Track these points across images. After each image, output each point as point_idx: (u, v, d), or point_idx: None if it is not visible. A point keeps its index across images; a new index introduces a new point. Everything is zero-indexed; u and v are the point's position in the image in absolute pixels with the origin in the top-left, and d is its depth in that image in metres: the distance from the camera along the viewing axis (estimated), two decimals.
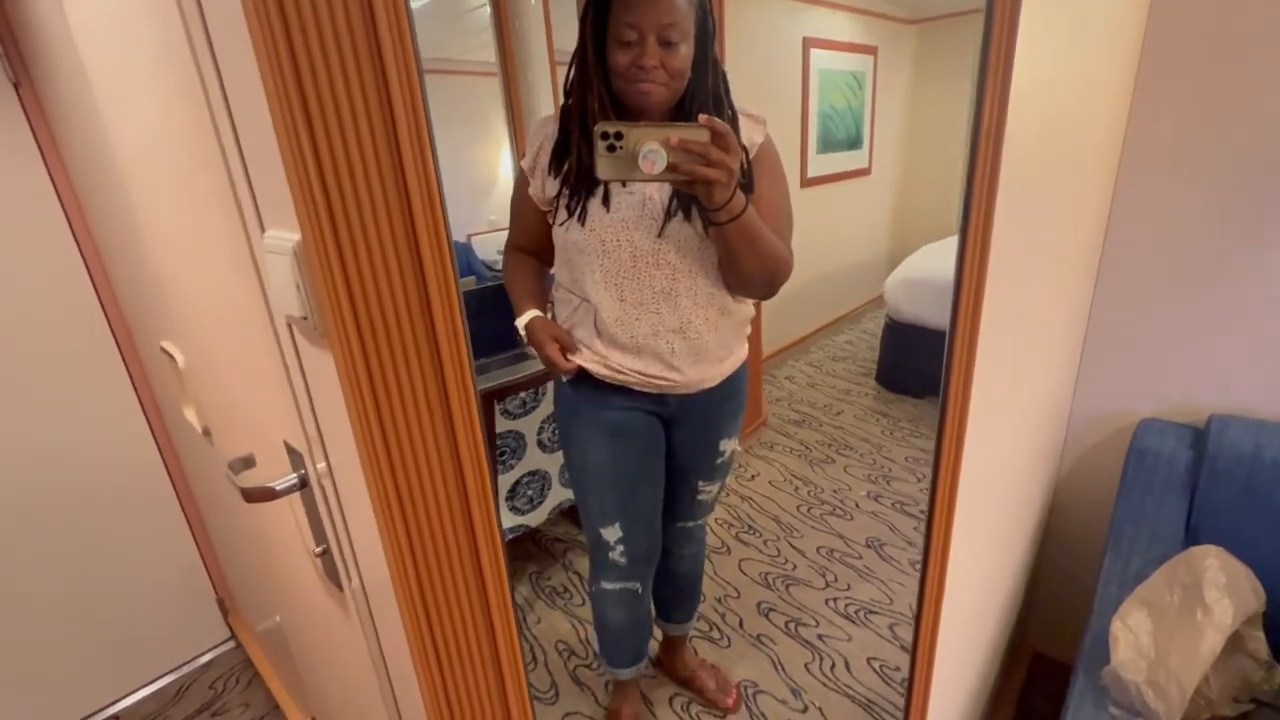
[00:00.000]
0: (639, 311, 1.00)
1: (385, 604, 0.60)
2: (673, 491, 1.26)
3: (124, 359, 1.52)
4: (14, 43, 1.28)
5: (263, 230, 0.51)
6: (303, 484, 0.66)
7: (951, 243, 3.51)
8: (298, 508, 0.72)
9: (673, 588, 1.42)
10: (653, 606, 1.46)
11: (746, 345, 1.15)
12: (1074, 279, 1.06)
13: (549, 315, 1.11)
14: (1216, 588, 0.90)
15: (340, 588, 0.71)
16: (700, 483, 1.24)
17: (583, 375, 1.08)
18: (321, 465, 0.61)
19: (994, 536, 1.01)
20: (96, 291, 1.46)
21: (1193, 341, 1.15)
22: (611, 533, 1.18)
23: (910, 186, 4.68)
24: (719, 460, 1.21)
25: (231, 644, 1.82)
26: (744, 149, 0.93)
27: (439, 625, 0.57)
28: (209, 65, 0.49)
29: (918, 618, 0.80)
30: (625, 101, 0.93)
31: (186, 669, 1.75)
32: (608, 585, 1.26)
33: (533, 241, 1.11)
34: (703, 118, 0.76)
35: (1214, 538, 0.99)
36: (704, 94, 0.95)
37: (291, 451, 0.67)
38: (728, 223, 0.86)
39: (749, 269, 0.94)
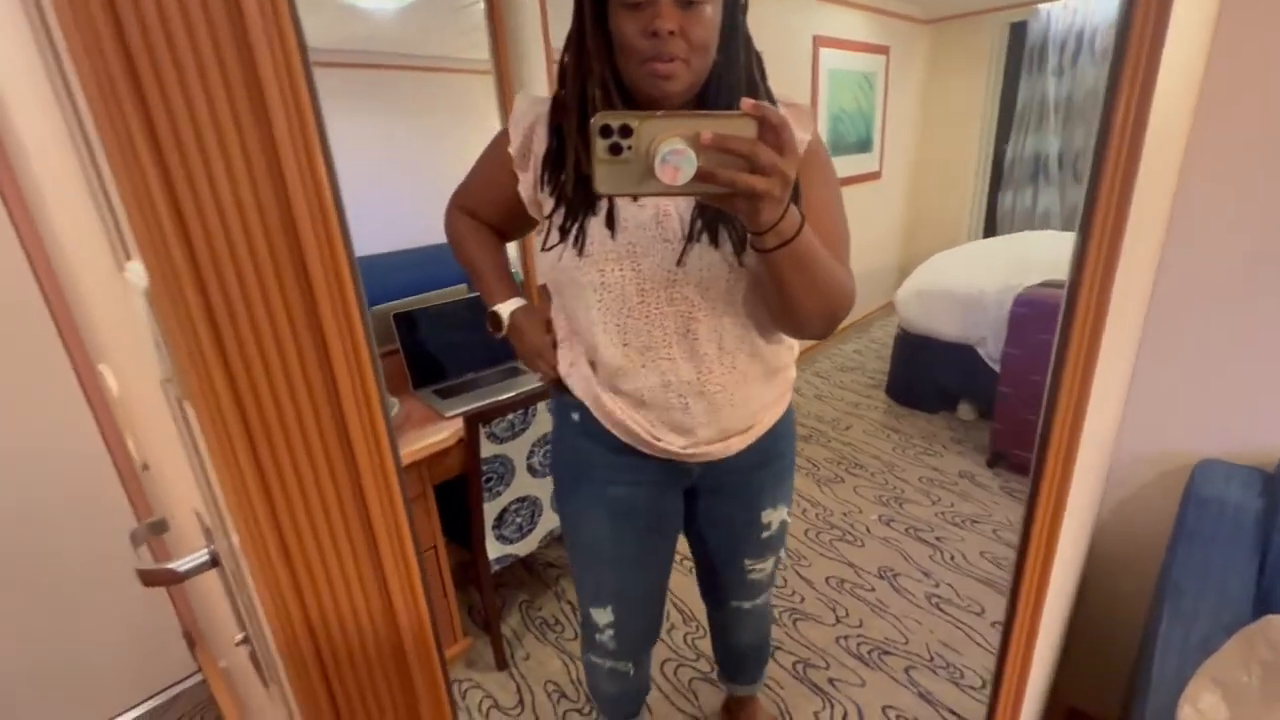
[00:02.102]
0: (644, 358, 0.81)
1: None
2: (718, 573, 1.10)
3: (77, 373, 1.40)
4: None
5: (127, 258, 0.38)
6: (215, 562, 0.54)
7: (965, 251, 3.39)
8: (217, 584, 0.60)
9: (734, 658, 1.29)
10: (716, 662, 1.34)
11: (788, 398, 0.95)
12: (1139, 293, 0.94)
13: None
14: None
15: (264, 683, 0.58)
16: (747, 561, 1.05)
17: (584, 417, 0.90)
18: (227, 544, 0.49)
19: (1061, 585, 0.88)
20: (48, 301, 1.34)
21: (1263, 372, 1.02)
22: (602, 615, 1.02)
23: (922, 191, 4.55)
24: (764, 535, 1.02)
25: (198, 678, 1.70)
26: None
27: None
28: (50, 53, 0.37)
29: (995, 690, 0.67)
30: (636, 89, 0.74)
31: (151, 704, 1.63)
32: (595, 660, 1.11)
33: (494, 221, 0.93)
34: (747, 103, 0.53)
35: None
36: (734, 76, 0.74)
37: (202, 523, 0.55)
38: (777, 248, 0.64)
39: (801, 305, 0.71)
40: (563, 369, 0.91)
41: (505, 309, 0.93)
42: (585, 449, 0.93)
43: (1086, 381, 0.58)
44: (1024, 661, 0.81)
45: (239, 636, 0.58)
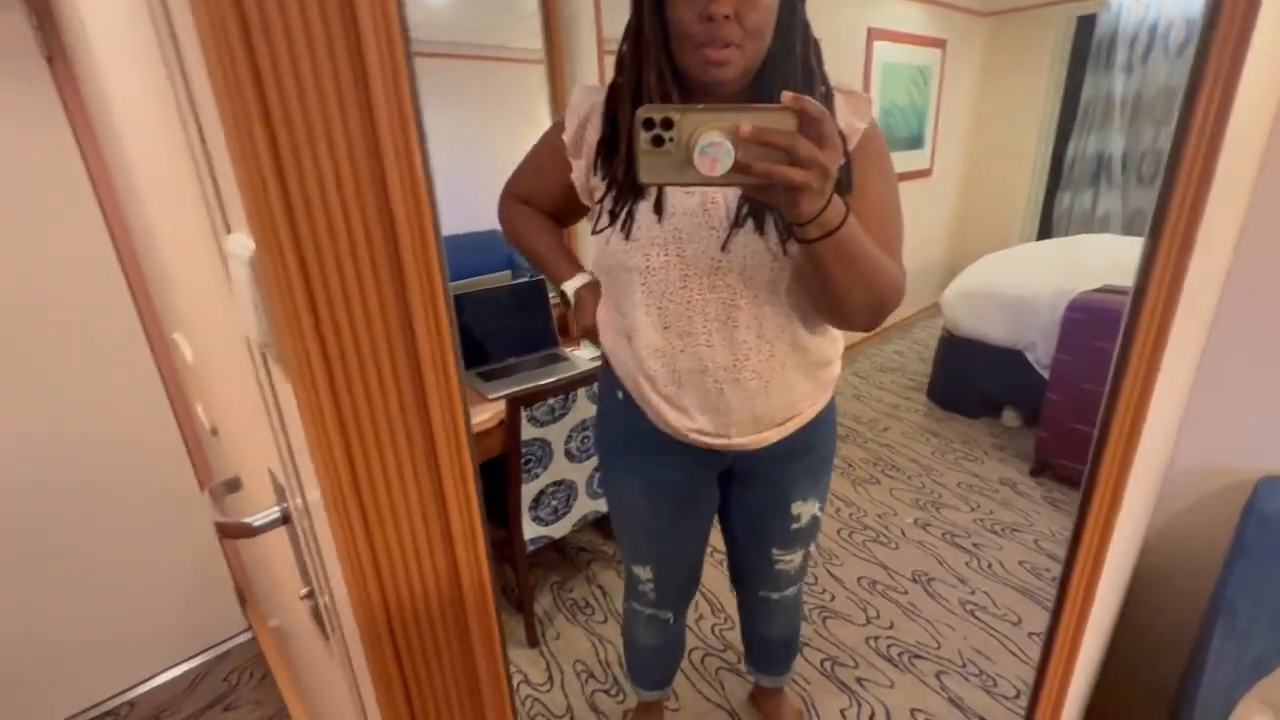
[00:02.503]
0: (684, 343, 0.82)
1: (365, 674, 0.51)
2: (746, 557, 1.12)
3: (150, 343, 1.49)
4: (48, 14, 1.24)
5: (228, 230, 0.42)
6: (285, 519, 0.58)
7: (1017, 253, 3.28)
8: (285, 540, 0.64)
9: (762, 649, 1.30)
10: (744, 652, 1.36)
11: (830, 392, 0.96)
12: (1205, 301, 0.90)
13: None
14: None
15: (325, 636, 0.62)
16: (775, 550, 1.07)
17: (628, 395, 0.93)
18: (299, 501, 0.53)
19: (1106, 602, 0.87)
20: (125, 273, 1.43)
21: None
22: (643, 572, 1.09)
23: (973, 191, 4.41)
24: (794, 526, 1.02)
25: (248, 635, 1.79)
26: (841, 137, 0.78)
27: (420, 704, 0.47)
28: (165, 30, 0.40)
29: (1033, 703, 0.67)
30: (690, 77, 0.74)
31: (202, 658, 1.73)
32: (638, 607, 1.17)
33: (541, 200, 0.95)
34: (787, 96, 0.54)
35: None
36: (789, 64, 0.73)
37: (275, 482, 0.59)
38: (820, 239, 0.64)
39: (845, 296, 0.71)
40: (607, 344, 0.93)
41: (570, 285, 0.95)
42: (627, 425, 0.96)
43: (1146, 394, 0.57)
44: (1064, 677, 0.80)
45: (304, 591, 0.62)
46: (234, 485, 0.68)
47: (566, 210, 0.96)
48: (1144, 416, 0.57)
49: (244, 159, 0.31)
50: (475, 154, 1.94)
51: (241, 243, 0.37)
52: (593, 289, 0.94)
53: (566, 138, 0.86)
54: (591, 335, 0.95)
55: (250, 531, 0.56)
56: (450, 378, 0.38)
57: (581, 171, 0.86)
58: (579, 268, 0.98)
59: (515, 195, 1.00)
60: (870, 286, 0.71)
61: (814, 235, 0.64)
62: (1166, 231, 0.51)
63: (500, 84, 1.99)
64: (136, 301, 1.45)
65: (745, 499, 1.03)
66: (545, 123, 2.09)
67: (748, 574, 1.15)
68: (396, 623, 0.45)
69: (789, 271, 0.79)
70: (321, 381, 0.36)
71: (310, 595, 0.61)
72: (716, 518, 1.10)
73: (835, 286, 0.70)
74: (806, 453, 0.97)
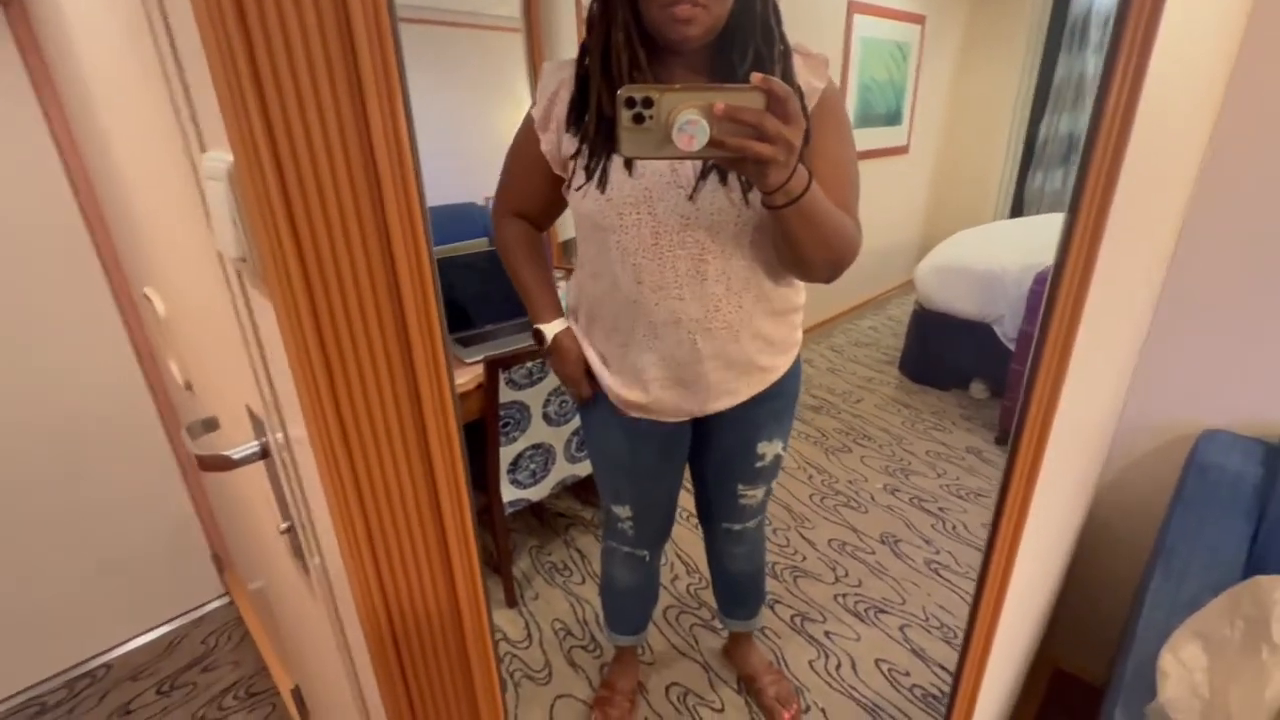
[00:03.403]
0: (657, 296, 0.87)
1: (346, 596, 0.52)
2: (712, 492, 1.18)
3: (117, 302, 1.46)
4: None
5: (203, 150, 0.42)
6: (264, 453, 0.59)
7: (989, 230, 3.34)
8: (265, 478, 0.65)
9: (729, 588, 1.36)
10: (715, 600, 1.42)
11: (796, 348, 1.01)
12: (1147, 270, 0.95)
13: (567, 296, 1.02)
14: None
15: (306, 569, 0.64)
16: (740, 486, 1.13)
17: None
18: (280, 435, 0.54)
19: (1042, 552, 0.92)
20: (89, 229, 1.39)
21: (1271, 345, 1.03)
22: (622, 510, 1.14)
23: (949, 168, 4.47)
24: (758, 464, 1.09)
25: (226, 600, 1.80)
26: (799, 93, 0.79)
27: (401, 626, 0.49)
28: None
29: (966, 639, 0.72)
30: (657, 33, 0.77)
31: (179, 622, 1.73)
32: (615, 545, 1.23)
33: (534, 206, 0.98)
34: (756, 77, 0.60)
35: None
36: (750, 22, 0.78)
37: (253, 417, 0.60)
38: (785, 205, 0.70)
39: (808, 255, 0.78)
40: (584, 312, 0.98)
41: (550, 329, 0.99)
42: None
43: (1064, 359, 0.60)
44: (994, 613, 0.83)
45: (283, 525, 0.63)
46: (211, 425, 0.68)
47: (555, 203, 0.97)
48: (1063, 380, 0.60)
49: (222, 66, 0.32)
50: (450, 125, 1.91)
51: (218, 157, 0.38)
52: (570, 336, 0.98)
53: (535, 113, 0.89)
54: (578, 384, 1.00)
55: (229, 464, 0.57)
56: (429, 297, 0.39)
57: (553, 140, 0.88)
58: (560, 312, 1.01)
59: (507, 208, 1.00)
60: (830, 246, 0.78)
61: (780, 202, 0.70)
62: (1082, 210, 0.54)
63: (476, 52, 1.96)
64: (102, 258, 1.42)
65: (714, 440, 1.08)
66: (523, 95, 2.07)
67: (713, 508, 1.21)
68: (380, 549, 0.47)
69: (753, 225, 0.84)
70: (301, 297, 0.37)
71: (290, 529, 0.62)
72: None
73: (798, 246, 0.77)
74: (773, 398, 1.02)
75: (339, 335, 0.39)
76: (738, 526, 1.21)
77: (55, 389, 1.42)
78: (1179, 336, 1.10)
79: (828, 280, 0.84)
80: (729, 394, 0.98)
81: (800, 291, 0.97)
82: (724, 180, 0.81)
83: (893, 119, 3.75)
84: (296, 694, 1.19)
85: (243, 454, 0.58)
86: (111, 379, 1.49)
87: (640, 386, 0.96)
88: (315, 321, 0.38)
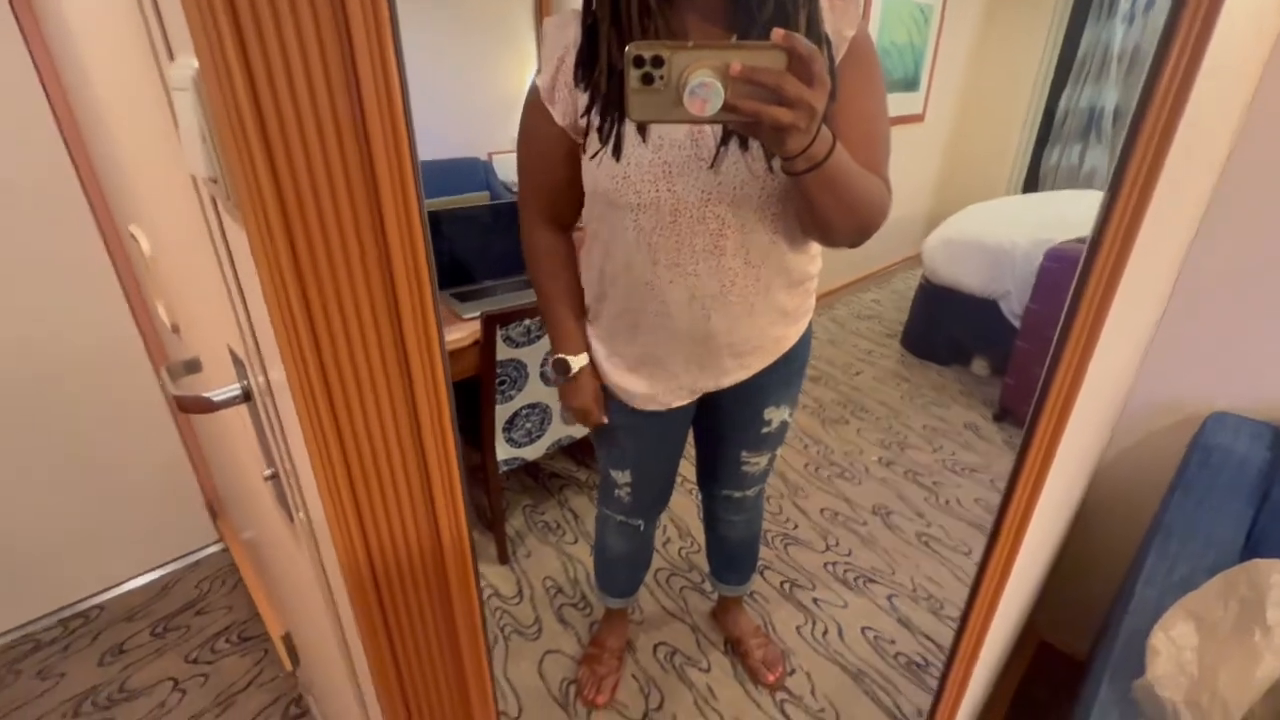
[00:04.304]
0: (672, 274, 0.83)
1: (329, 544, 0.51)
2: (715, 458, 1.16)
3: (105, 242, 1.42)
4: None
5: (170, 57, 0.38)
6: (246, 396, 0.57)
7: (1001, 204, 3.27)
8: (249, 423, 0.63)
9: (724, 554, 1.35)
10: (708, 562, 1.42)
11: (811, 302, 0.98)
12: (1172, 248, 0.91)
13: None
14: None
15: (290, 517, 0.62)
16: (744, 453, 1.11)
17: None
18: (261, 380, 0.51)
19: (1044, 530, 0.91)
20: (74, 165, 1.34)
21: None
22: (621, 476, 1.11)
23: (964, 139, 4.35)
24: (765, 430, 1.06)
25: (220, 546, 1.80)
26: (827, 42, 0.73)
27: (384, 575, 0.48)
28: None
29: (965, 616, 0.71)
30: None
31: (173, 566, 1.74)
32: (610, 513, 1.21)
33: (562, 195, 0.88)
34: (778, 34, 0.54)
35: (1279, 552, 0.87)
36: None
37: (235, 358, 0.57)
38: (806, 172, 0.65)
39: (832, 221, 0.73)
40: (591, 294, 0.96)
41: (576, 362, 0.96)
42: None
43: (1092, 340, 0.57)
44: (994, 596, 0.83)
45: (267, 472, 0.61)
46: (193, 366, 0.66)
47: (580, 188, 0.89)
48: (1088, 361, 0.58)
49: None
50: (453, 79, 1.84)
51: (185, 64, 0.34)
52: (589, 372, 0.97)
53: (541, 81, 0.81)
54: (590, 415, 1.00)
55: (209, 406, 0.54)
56: (415, 224, 0.36)
57: (565, 106, 0.80)
58: (585, 345, 0.98)
59: (535, 209, 0.92)
60: (856, 212, 0.73)
61: (800, 168, 0.65)
62: (1125, 185, 0.51)
63: (480, 2, 1.87)
64: (89, 197, 1.38)
65: (721, 405, 1.05)
66: (529, 48, 1.99)
67: (716, 474, 1.19)
68: (362, 496, 0.45)
69: (777, 196, 0.79)
70: (275, 220, 0.34)
71: (274, 476, 0.60)
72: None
73: (822, 213, 0.72)
74: (783, 365, 0.99)
75: (318, 266, 0.36)
76: (738, 494, 1.19)
77: (42, 331, 1.39)
78: (1195, 316, 1.07)
79: (853, 246, 0.80)
80: (742, 368, 0.96)
81: (817, 259, 0.93)
82: (745, 146, 0.76)
83: (910, 85, 3.64)
84: (287, 640, 1.20)
85: (224, 396, 0.55)
86: (99, 319, 1.46)
87: (648, 372, 0.95)
88: (291, 248, 0.35)
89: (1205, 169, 0.92)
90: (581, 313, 0.98)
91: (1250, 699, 0.74)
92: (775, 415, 1.05)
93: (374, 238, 0.36)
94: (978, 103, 4.25)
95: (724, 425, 1.08)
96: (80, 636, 1.53)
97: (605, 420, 1.02)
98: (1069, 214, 2.71)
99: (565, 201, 0.90)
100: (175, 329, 1.00)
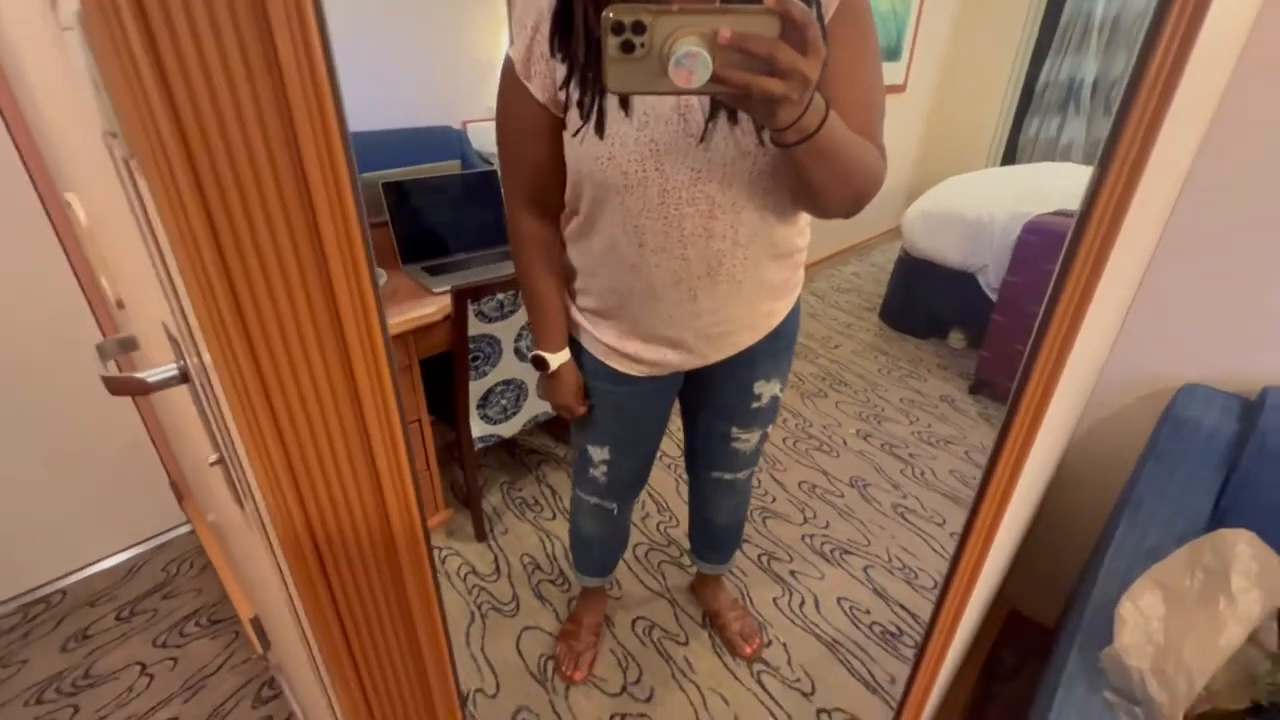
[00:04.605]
0: (658, 258, 0.81)
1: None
2: (702, 436, 1.12)
3: (48, 213, 1.34)
4: None
5: None
6: (184, 377, 0.53)
7: (980, 176, 3.26)
8: (193, 405, 0.59)
9: (709, 536, 1.33)
10: (689, 541, 1.41)
11: (800, 275, 0.97)
12: (1153, 222, 0.90)
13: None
14: (1246, 576, 0.81)
15: (239, 501, 0.59)
16: (734, 429, 1.07)
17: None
18: (196, 360, 0.47)
19: (1023, 500, 0.91)
20: (9, 130, 1.26)
21: (1258, 302, 1.00)
22: (598, 453, 1.07)
23: (945, 111, 4.32)
24: (754, 405, 1.04)
25: (188, 528, 1.76)
26: (817, 3, 0.69)
27: (330, 557, 0.45)
28: None
29: (943, 590, 0.70)
30: None
31: (139, 549, 1.69)
32: (583, 495, 1.18)
33: (548, 177, 0.83)
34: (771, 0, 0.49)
35: (1246, 521, 0.89)
36: None
37: (170, 336, 0.53)
38: (797, 143, 0.62)
39: (826, 192, 0.71)
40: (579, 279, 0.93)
41: (555, 359, 0.95)
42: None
43: (1079, 316, 0.56)
44: (974, 569, 0.84)
45: (213, 457, 0.57)
46: (129, 344, 0.61)
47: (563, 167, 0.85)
48: (1074, 337, 0.57)
49: None
50: (422, 46, 1.74)
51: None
52: (571, 367, 0.97)
53: (515, 54, 0.76)
54: (572, 409, 1.00)
55: (144, 388, 0.51)
56: (341, 175, 0.33)
57: (542, 79, 0.75)
58: (566, 343, 0.97)
59: (520, 194, 0.87)
60: (850, 181, 0.70)
61: (791, 140, 0.61)
62: (1116, 160, 0.48)
63: None
64: (27, 166, 1.29)
65: (709, 381, 1.02)
66: (502, 8, 1.90)
67: (704, 455, 1.16)
68: (303, 478, 0.42)
69: (768, 171, 0.76)
70: (184, 177, 0.30)
71: (221, 461, 0.57)
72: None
73: (815, 184, 0.70)
74: (773, 339, 0.97)
75: (236, 228, 0.32)
76: (728, 476, 1.16)
77: None
78: (1169, 290, 1.07)
79: (847, 216, 0.77)
80: (731, 346, 0.94)
81: (805, 231, 0.91)
82: (734, 119, 0.72)
83: (892, 54, 3.58)
84: (256, 623, 1.17)
85: (159, 377, 0.51)
86: (46, 296, 1.38)
87: (636, 346, 0.92)
88: (205, 210, 0.31)
89: (1185, 144, 0.91)
90: (563, 306, 0.95)
91: (1213, 666, 0.76)
92: (765, 390, 1.02)
93: (297, 192, 0.32)
94: (959, 73, 4.21)
95: (713, 401, 1.06)
96: (42, 622, 1.49)
97: (583, 411, 1.01)
98: (1046, 186, 2.71)
99: (550, 184, 0.85)
100: (120, 304, 0.95)
